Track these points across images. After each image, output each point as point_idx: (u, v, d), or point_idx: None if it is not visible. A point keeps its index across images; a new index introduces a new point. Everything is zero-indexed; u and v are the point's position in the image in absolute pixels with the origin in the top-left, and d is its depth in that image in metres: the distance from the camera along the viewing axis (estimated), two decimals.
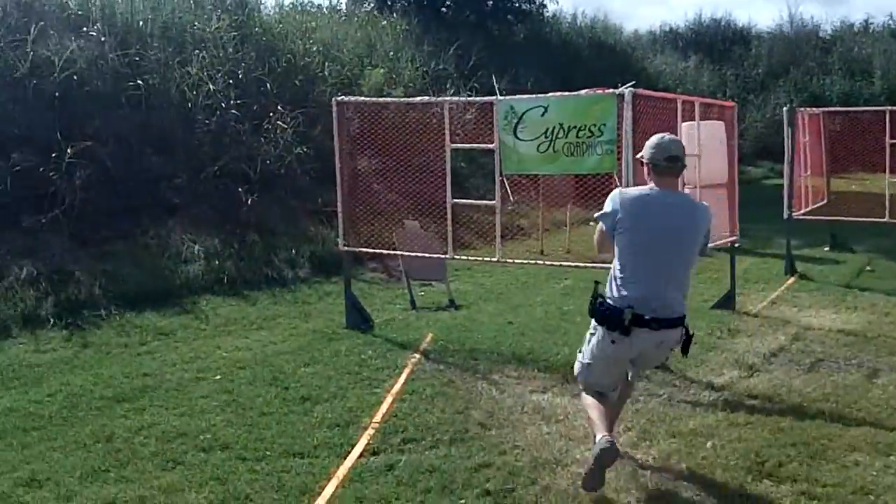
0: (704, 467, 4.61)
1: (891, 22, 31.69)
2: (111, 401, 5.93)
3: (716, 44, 30.73)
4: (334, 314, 8.39)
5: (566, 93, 7.13)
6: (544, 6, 25.53)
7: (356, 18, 19.59)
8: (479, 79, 16.77)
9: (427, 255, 8.59)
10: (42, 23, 10.67)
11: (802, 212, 11.40)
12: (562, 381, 6.01)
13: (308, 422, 5.41)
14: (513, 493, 4.32)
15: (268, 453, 4.89)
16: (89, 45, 11.05)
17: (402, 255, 8.95)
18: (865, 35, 31.18)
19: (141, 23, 12.21)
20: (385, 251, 8.96)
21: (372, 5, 22.00)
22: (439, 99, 9.63)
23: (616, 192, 4.41)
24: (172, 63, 11.86)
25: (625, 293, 4.25)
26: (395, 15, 19.97)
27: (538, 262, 10.39)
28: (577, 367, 4.59)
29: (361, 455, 4.84)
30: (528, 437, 5.07)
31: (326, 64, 14.85)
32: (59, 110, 10.09)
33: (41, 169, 9.37)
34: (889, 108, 11.15)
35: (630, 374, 4.60)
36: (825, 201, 12.56)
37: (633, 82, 6.57)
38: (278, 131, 12.12)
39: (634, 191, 4.52)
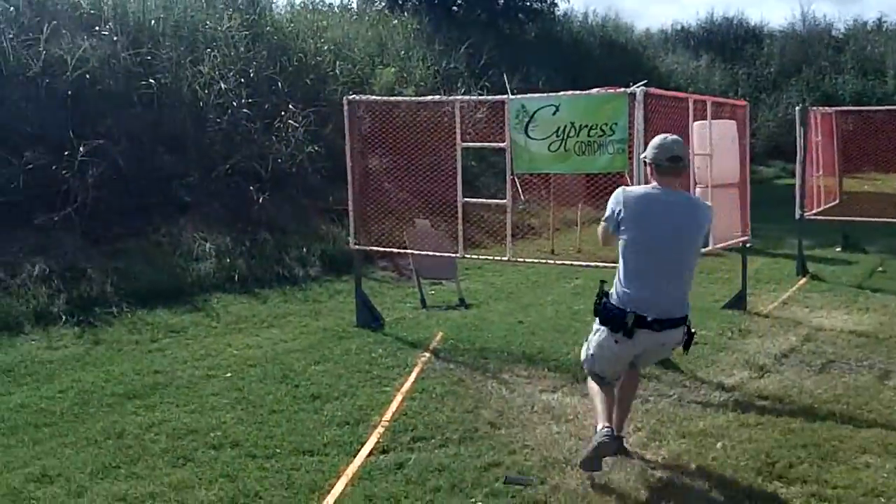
0: (714, 468, 4.60)
1: None
2: (122, 397, 5.97)
3: (728, 43, 30.63)
4: (345, 312, 8.41)
5: (578, 92, 7.10)
6: (555, 5, 25.56)
7: (367, 17, 19.61)
8: (489, 77, 16.72)
9: (438, 253, 8.60)
10: (55, 22, 10.73)
11: (814, 212, 11.32)
12: (572, 381, 6.01)
13: (318, 420, 5.42)
14: (528, 486, 4.34)
15: (278, 451, 4.91)
16: (101, 45, 11.09)
17: (412, 254, 8.95)
18: (878, 34, 30.99)
19: (153, 22, 12.25)
20: (396, 250, 8.97)
21: (383, 4, 22.04)
22: (450, 98, 9.62)
23: (620, 190, 4.48)
24: (184, 62, 11.89)
25: (628, 291, 4.32)
26: (406, 14, 20.00)
27: (549, 261, 10.37)
28: (582, 354, 4.71)
29: (371, 453, 4.85)
30: (537, 436, 5.07)
31: (337, 63, 14.86)
32: (71, 109, 10.14)
33: (54, 167, 9.43)
34: None
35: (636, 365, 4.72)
36: (837, 201, 12.47)
37: (645, 81, 6.54)
38: (289, 130, 12.15)
39: (638, 189, 4.67)
